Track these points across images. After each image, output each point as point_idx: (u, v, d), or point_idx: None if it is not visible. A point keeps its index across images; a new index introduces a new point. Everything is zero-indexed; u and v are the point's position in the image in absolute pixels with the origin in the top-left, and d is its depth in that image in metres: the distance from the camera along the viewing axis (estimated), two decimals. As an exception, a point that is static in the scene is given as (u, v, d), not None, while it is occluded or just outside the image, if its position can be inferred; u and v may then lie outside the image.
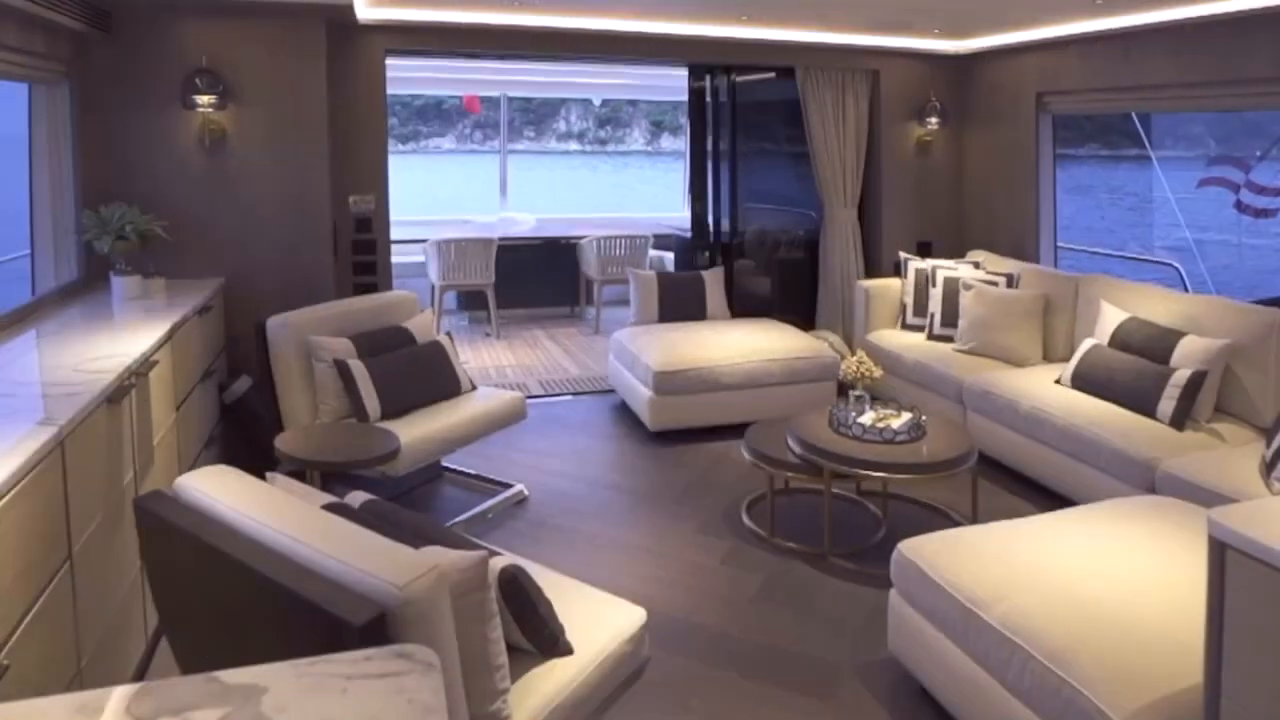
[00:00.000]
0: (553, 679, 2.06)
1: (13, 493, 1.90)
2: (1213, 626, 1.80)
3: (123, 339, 3.23)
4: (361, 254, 5.26)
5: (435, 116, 26.55)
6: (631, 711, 2.68)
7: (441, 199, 18.78)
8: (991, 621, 2.44)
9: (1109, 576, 2.53)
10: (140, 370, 2.93)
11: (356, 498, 2.30)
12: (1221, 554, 1.77)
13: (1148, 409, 4.08)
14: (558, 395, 6.09)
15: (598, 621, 2.26)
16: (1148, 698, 2.06)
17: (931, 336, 5.56)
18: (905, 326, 5.79)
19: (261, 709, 1.13)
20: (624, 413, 5.61)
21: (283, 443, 3.37)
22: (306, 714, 1.12)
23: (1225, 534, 1.75)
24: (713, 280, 6.06)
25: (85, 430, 2.40)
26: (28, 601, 1.99)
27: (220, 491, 1.99)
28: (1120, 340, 4.47)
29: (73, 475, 2.28)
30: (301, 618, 1.64)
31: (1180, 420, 3.98)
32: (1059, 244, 6.42)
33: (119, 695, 1.15)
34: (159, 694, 1.16)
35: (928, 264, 5.77)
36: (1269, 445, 3.45)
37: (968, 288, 5.41)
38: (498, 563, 1.99)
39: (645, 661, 2.37)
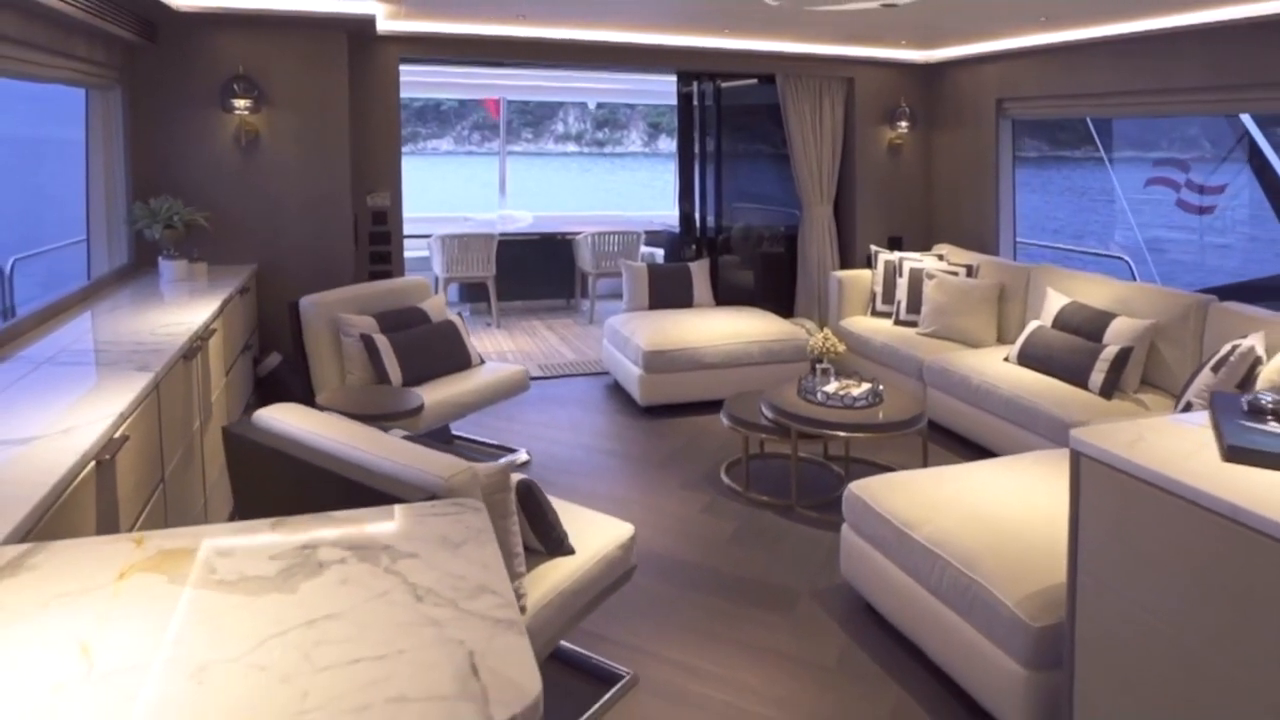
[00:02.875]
0: (558, 571, 2.56)
1: (133, 416, 2.41)
2: (1073, 518, 2.31)
3: (178, 313, 3.72)
4: (378, 244, 5.77)
5: (434, 118, 27.06)
6: (626, 624, 3.21)
7: (440, 198, 19.27)
8: (919, 539, 2.95)
9: (1015, 504, 3.05)
10: (204, 336, 3.43)
11: (397, 434, 2.80)
12: (1078, 461, 2.28)
13: (1081, 381, 4.60)
14: (555, 377, 6.59)
15: (594, 532, 2.77)
16: (1033, 588, 2.58)
17: (898, 322, 6.08)
18: (875, 313, 6.32)
19: (364, 530, 1.64)
20: (616, 391, 6.12)
21: (324, 399, 3.88)
22: (396, 533, 1.63)
23: (1080, 445, 2.26)
24: (699, 271, 6.57)
25: (170, 379, 2.90)
26: (140, 507, 2.50)
27: (293, 419, 2.49)
28: (1061, 322, 4.99)
29: (164, 414, 2.79)
30: (367, 503, 2.13)
31: (1109, 390, 4.50)
32: (1027, 240, 6.95)
33: (265, 522, 1.66)
34: (291, 523, 1.67)
35: (895, 256, 6.29)
36: (1176, 408, 3.97)
37: (930, 277, 5.94)
38: (516, 476, 2.50)
39: (632, 568, 2.88)
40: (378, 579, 1.45)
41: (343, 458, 2.26)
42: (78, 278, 4.62)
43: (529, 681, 1.19)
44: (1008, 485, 3.23)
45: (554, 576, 2.54)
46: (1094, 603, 2.26)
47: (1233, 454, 2.09)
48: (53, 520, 1.84)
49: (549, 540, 2.58)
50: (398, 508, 1.76)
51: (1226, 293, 5.16)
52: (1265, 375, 3.64)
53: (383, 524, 1.68)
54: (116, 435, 2.26)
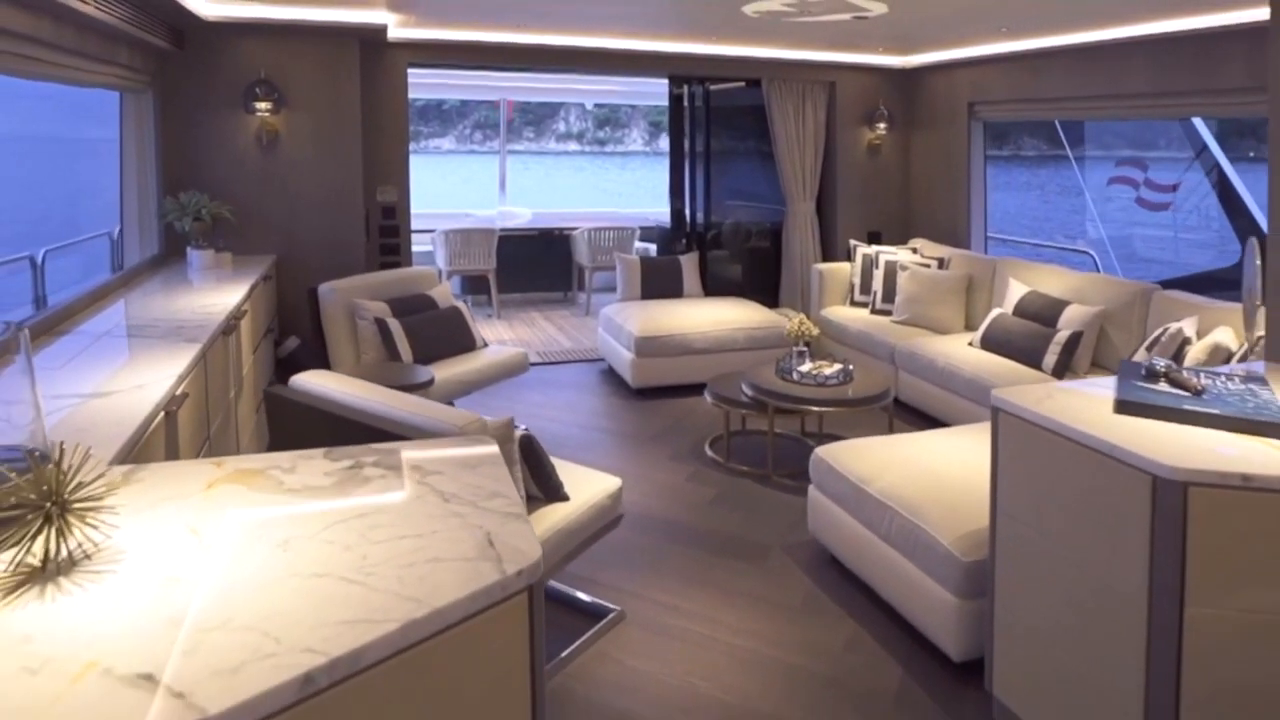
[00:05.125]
0: (555, 514, 2.96)
1: (189, 379, 2.80)
2: (994, 466, 2.71)
3: (211, 296, 4.12)
4: (387, 236, 6.18)
5: (435, 117, 27.43)
6: (617, 571, 3.60)
7: (442, 195, 19.65)
8: (873, 493, 3.35)
9: (958, 463, 3.45)
10: (237, 315, 3.83)
11: (413, 397, 3.19)
12: (996, 415, 2.68)
13: (1035, 363, 5.01)
14: (553, 363, 6.99)
15: (587, 484, 3.17)
16: (967, 529, 2.98)
17: (874, 311, 6.48)
18: (853, 303, 6.72)
19: (399, 455, 2.04)
20: (611, 376, 6.52)
21: (346, 373, 4.27)
22: (425, 457, 2.03)
23: (998, 402, 2.67)
24: (689, 264, 6.97)
25: (213, 351, 3.30)
26: (193, 458, 2.89)
27: (326, 382, 2.89)
28: (1021, 309, 5.40)
29: (209, 381, 3.19)
30: (395, 448, 2.53)
31: (1060, 371, 4.91)
32: (1000, 235, 7.35)
33: (316, 452, 2.06)
34: (339, 451, 2.06)
35: (872, 250, 6.69)
36: (1116, 385, 4.38)
37: (904, 269, 6.34)
38: (519, 430, 2.89)
39: (620, 516, 3.28)
40: (412, 488, 1.85)
41: (371, 411, 2.66)
42: (103, 268, 5.01)
43: (531, 550, 1.58)
44: (954, 448, 3.64)
45: (551, 519, 2.94)
46: (1009, 536, 2.66)
47: (1120, 407, 2.49)
48: (136, 457, 2.23)
49: (547, 488, 2.98)
50: (424, 441, 2.15)
51: (1188, 284, 5.55)
52: (1192, 355, 4.05)
53: (409, 452, 2.07)
54: (179, 392, 2.65)
